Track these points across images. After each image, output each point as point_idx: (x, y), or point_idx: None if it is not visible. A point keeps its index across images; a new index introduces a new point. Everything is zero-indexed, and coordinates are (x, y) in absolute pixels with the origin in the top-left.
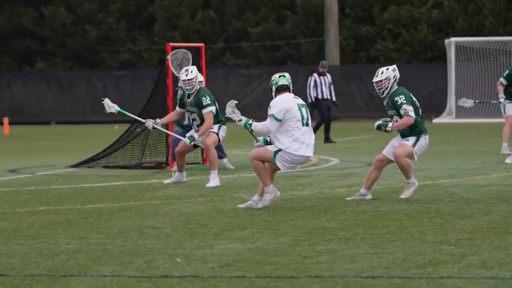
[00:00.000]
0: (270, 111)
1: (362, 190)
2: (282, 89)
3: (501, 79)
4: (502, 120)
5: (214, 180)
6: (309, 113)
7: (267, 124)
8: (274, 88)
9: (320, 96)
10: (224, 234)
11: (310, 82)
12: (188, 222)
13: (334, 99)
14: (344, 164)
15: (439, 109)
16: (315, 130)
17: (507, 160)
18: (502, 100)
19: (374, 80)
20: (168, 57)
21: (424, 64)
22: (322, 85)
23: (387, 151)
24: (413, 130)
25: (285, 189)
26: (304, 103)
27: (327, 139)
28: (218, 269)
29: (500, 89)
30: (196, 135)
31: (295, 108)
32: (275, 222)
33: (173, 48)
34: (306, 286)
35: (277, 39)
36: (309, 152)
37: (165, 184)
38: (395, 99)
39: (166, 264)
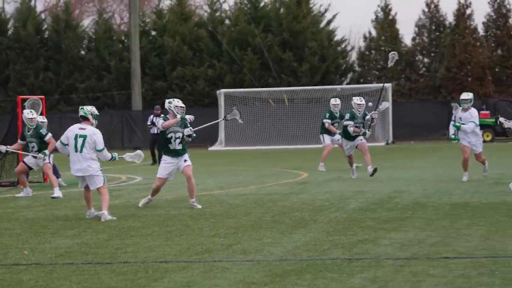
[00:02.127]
0: None
1: None
2: (82, 119)
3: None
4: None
5: (57, 193)
6: (85, 143)
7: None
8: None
9: (152, 132)
10: (59, 233)
11: (148, 121)
12: (33, 225)
13: None
14: (145, 181)
15: (214, 140)
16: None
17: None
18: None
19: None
20: (25, 103)
21: (202, 108)
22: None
23: None
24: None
25: None
26: (85, 135)
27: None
28: (54, 258)
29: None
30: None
31: (72, 136)
32: (95, 223)
33: (22, 99)
34: (117, 269)
35: (97, 91)
36: (73, 172)
37: (17, 197)
38: None
39: (17, 255)
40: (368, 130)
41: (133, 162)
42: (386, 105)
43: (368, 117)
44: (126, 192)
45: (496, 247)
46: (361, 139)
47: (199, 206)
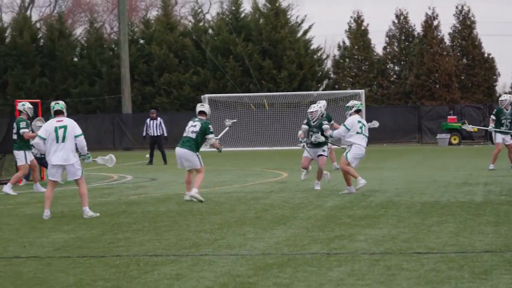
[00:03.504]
0: None
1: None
2: (57, 113)
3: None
4: (241, 148)
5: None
6: (66, 133)
7: None
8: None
9: (151, 134)
10: (55, 228)
11: (145, 125)
12: (31, 220)
13: (165, 134)
14: (136, 179)
15: None
16: (163, 157)
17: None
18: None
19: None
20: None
21: (187, 112)
22: (152, 126)
23: None
24: None
25: (96, 197)
26: (65, 125)
27: (164, 161)
28: (52, 252)
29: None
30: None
31: (52, 129)
32: (89, 219)
33: (19, 103)
34: (111, 262)
35: (90, 96)
36: (54, 162)
37: (15, 194)
38: None
39: (16, 249)
40: (329, 139)
41: (105, 165)
42: (376, 124)
43: (325, 126)
44: (117, 190)
45: (465, 243)
46: (323, 151)
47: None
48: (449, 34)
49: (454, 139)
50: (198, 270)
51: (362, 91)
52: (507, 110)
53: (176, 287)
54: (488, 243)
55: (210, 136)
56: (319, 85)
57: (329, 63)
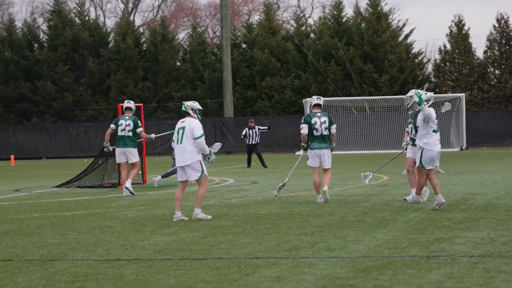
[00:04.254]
0: None
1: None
2: (184, 114)
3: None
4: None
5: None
6: (183, 135)
7: None
8: None
9: (249, 142)
10: (157, 231)
11: (242, 133)
12: (133, 223)
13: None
14: (237, 183)
15: (299, 145)
16: (261, 162)
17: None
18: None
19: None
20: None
21: (289, 116)
22: (251, 135)
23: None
24: None
25: None
26: (184, 126)
27: (263, 165)
28: (153, 254)
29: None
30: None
31: (176, 131)
32: (190, 222)
33: (121, 107)
34: (212, 265)
35: (192, 100)
36: (177, 163)
37: (119, 197)
38: None
39: (118, 251)
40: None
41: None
42: (448, 107)
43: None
44: (219, 193)
45: None
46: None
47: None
48: None
49: None
50: (298, 272)
51: (462, 95)
52: None
53: None
54: None
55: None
56: (420, 88)
57: (430, 67)
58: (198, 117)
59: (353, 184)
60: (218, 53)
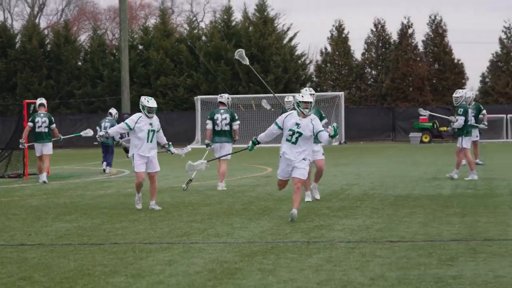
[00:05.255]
0: None
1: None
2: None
3: None
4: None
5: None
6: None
7: None
8: None
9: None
10: (58, 218)
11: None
12: (36, 211)
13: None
14: (133, 174)
15: (191, 139)
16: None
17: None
18: None
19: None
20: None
21: (182, 112)
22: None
23: None
24: None
25: (97, 189)
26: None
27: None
28: (55, 239)
29: None
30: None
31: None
32: (90, 210)
33: (27, 103)
34: (109, 249)
35: (92, 97)
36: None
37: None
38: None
39: (22, 237)
40: None
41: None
42: (266, 105)
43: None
44: (116, 184)
45: (433, 232)
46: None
47: None
48: (423, 41)
49: (425, 138)
50: (189, 256)
51: (341, 93)
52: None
53: (169, 272)
54: (454, 232)
55: None
56: (302, 87)
57: (312, 68)
58: (142, 111)
59: (240, 175)
60: (116, 53)
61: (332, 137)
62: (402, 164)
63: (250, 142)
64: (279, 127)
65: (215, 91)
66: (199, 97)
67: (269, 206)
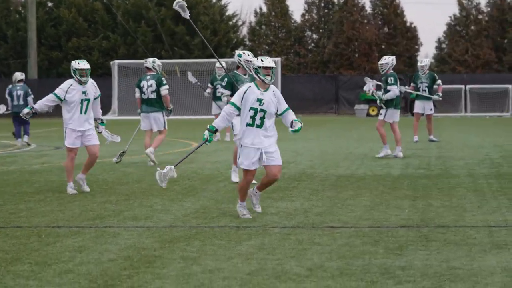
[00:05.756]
0: None
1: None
2: None
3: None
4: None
5: None
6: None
7: None
8: None
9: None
10: None
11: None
12: None
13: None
14: (40, 148)
15: (107, 110)
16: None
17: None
18: None
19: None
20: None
21: (96, 78)
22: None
23: None
24: None
25: None
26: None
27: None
28: None
29: None
30: None
31: None
32: None
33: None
34: (11, 233)
35: None
36: None
37: None
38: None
39: None
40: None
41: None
42: (191, 77)
43: None
44: (20, 159)
45: (380, 217)
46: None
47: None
48: (370, 1)
49: (373, 110)
50: (102, 242)
51: (278, 59)
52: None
53: (79, 260)
54: (404, 218)
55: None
56: (233, 52)
57: (244, 30)
58: (74, 77)
59: (161, 151)
60: (22, 11)
61: (294, 132)
62: (346, 139)
63: (206, 131)
64: (237, 108)
65: (135, 55)
66: (116, 61)
67: (194, 185)
